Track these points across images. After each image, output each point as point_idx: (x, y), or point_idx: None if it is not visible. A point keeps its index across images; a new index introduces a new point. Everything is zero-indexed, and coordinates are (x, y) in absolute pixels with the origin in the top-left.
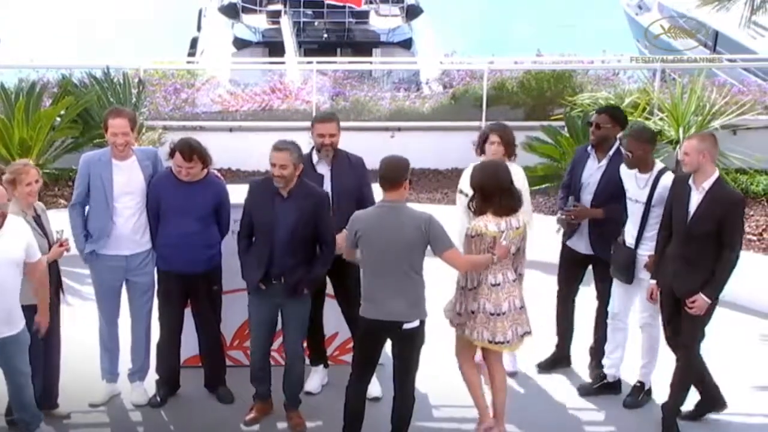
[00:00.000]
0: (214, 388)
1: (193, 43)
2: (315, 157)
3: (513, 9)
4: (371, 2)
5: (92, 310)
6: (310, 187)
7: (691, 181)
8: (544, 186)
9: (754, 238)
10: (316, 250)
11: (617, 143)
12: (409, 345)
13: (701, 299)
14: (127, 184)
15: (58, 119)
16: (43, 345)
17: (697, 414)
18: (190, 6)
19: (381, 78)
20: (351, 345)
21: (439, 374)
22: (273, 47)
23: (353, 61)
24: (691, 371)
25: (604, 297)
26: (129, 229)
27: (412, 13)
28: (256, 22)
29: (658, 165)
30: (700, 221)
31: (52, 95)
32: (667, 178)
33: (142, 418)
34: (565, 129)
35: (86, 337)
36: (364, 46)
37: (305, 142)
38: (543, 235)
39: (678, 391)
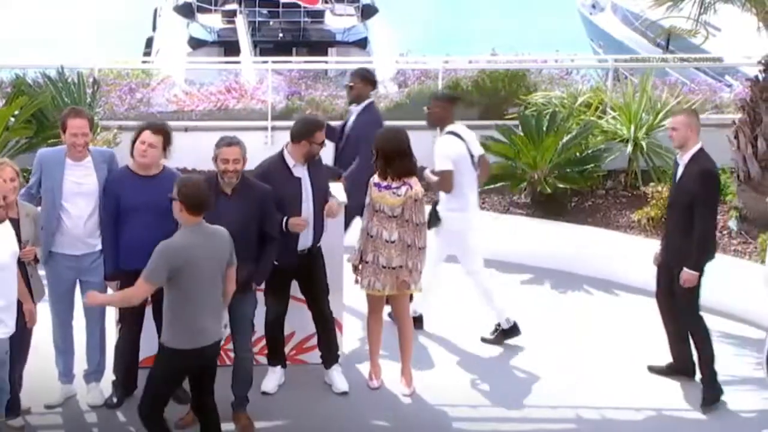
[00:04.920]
0: None
1: (149, 42)
2: (291, 161)
3: (468, 7)
4: (326, 2)
5: (49, 311)
6: (252, 183)
7: (678, 156)
8: (498, 185)
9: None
10: (261, 246)
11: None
12: (215, 367)
13: (685, 273)
14: (81, 184)
15: (12, 119)
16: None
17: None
18: (145, 5)
19: (337, 77)
20: (308, 344)
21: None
22: (228, 47)
23: (309, 61)
24: (703, 334)
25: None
26: (81, 229)
27: (368, 12)
28: (212, 22)
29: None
30: (679, 193)
31: (6, 95)
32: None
33: (98, 420)
34: (520, 128)
35: (44, 337)
36: (319, 46)
37: (261, 141)
38: (507, 234)
39: (704, 358)
